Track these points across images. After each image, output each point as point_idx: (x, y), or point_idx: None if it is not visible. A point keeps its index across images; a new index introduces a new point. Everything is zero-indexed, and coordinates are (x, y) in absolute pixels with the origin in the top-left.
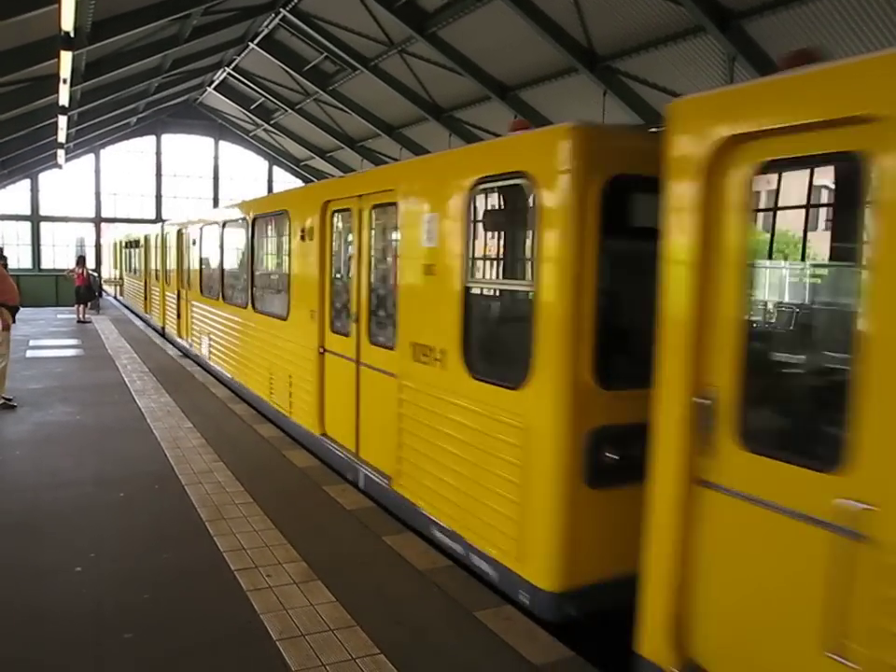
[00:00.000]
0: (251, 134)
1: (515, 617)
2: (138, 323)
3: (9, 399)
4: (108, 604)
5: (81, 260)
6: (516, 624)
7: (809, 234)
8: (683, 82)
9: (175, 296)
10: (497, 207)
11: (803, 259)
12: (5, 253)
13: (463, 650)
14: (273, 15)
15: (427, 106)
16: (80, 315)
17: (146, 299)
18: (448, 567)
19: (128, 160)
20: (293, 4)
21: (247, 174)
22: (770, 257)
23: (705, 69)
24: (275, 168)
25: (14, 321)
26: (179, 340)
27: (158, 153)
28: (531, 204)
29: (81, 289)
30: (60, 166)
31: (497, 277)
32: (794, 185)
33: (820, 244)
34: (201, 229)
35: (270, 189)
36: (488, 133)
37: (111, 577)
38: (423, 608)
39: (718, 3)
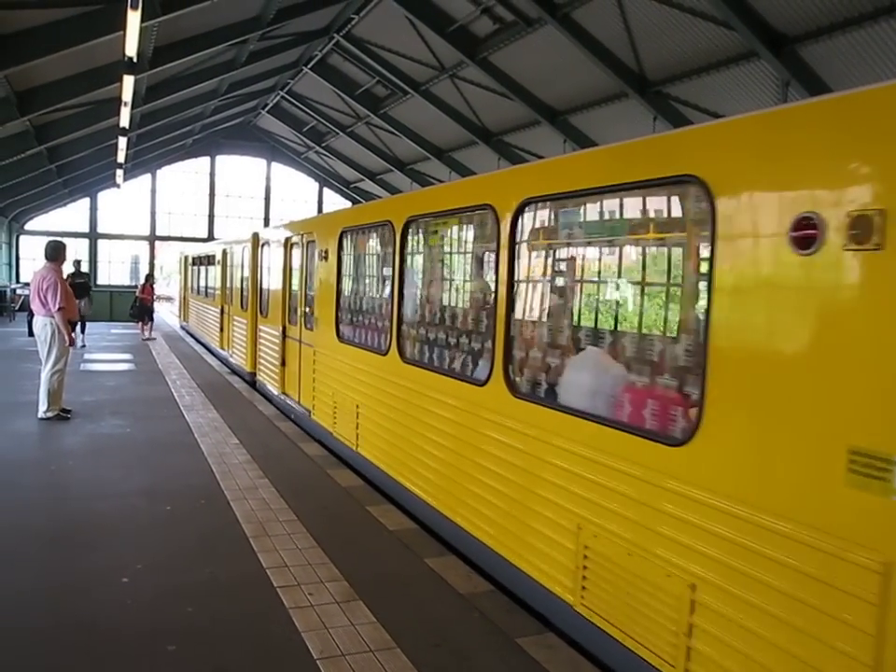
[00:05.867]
0: (303, 156)
1: (558, 646)
2: (188, 340)
3: (66, 411)
4: (153, 615)
5: (148, 277)
6: (559, 653)
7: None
8: (735, 107)
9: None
10: None
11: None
12: (82, 268)
13: None
14: (328, 40)
15: (476, 130)
16: (143, 333)
17: (220, 330)
18: (490, 592)
19: (183, 179)
20: (347, 29)
21: (298, 195)
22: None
23: (757, 94)
24: (325, 190)
25: (74, 334)
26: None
27: (212, 173)
28: None
29: (142, 306)
30: (118, 185)
31: None
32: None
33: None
34: (345, 237)
35: (320, 210)
36: (538, 157)
37: (156, 589)
38: (464, 632)
39: (771, 28)
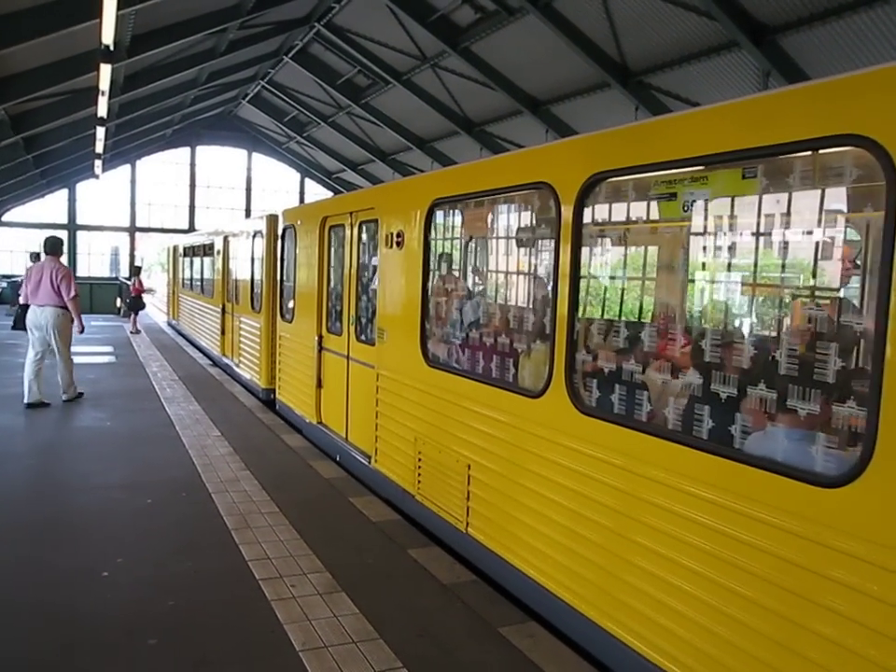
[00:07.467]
0: (284, 147)
1: (540, 635)
2: (169, 332)
3: (45, 404)
4: (134, 609)
5: (137, 270)
6: (541, 643)
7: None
8: (716, 97)
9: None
10: None
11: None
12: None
13: (487, 666)
14: (308, 29)
15: (458, 120)
16: (133, 327)
17: (221, 333)
18: (472, 582)
19: (163, 170)
20: (327, 18)
21: (280, 185)
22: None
23: (738, 84)
24: (307, 180)
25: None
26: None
27: (192, 164)
28: None
29: (132, 299)
30: (97, 176)
31: None
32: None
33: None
34: (438, 212)
35: (301, 200)
36: (520, 147)
37: (137, 582)
38: (447, 622)
39: (753, 18)
